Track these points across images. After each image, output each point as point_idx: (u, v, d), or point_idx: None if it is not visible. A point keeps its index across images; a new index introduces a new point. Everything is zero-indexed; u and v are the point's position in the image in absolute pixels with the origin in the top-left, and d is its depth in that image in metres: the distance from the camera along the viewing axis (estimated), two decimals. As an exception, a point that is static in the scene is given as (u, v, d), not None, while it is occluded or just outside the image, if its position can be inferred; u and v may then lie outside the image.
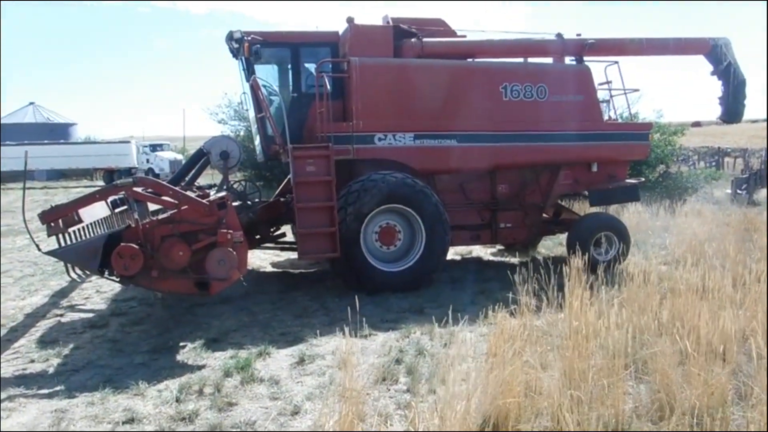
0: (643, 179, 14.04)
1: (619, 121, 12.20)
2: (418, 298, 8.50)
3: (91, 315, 8.17)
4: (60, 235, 7.01)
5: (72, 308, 8.56)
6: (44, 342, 7.03)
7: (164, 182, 7.97)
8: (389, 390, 5.37)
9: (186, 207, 6.89)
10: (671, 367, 4.81)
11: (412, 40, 9.96)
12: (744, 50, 11.24)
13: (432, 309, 7.84)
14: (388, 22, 10.14)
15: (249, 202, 10.02)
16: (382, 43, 9.80)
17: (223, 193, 7.68)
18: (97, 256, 6.60)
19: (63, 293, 9.35)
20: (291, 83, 10.08)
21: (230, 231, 6.75)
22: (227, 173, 9.91)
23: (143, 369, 6.08)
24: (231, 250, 6.69)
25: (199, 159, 10.11)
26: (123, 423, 4.86)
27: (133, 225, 6.79)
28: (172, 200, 7.09)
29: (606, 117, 11.15)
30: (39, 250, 6.93)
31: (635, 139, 10.71)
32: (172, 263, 6.70)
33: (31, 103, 52.95)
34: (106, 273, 6.90)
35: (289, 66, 10.09)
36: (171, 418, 4.91)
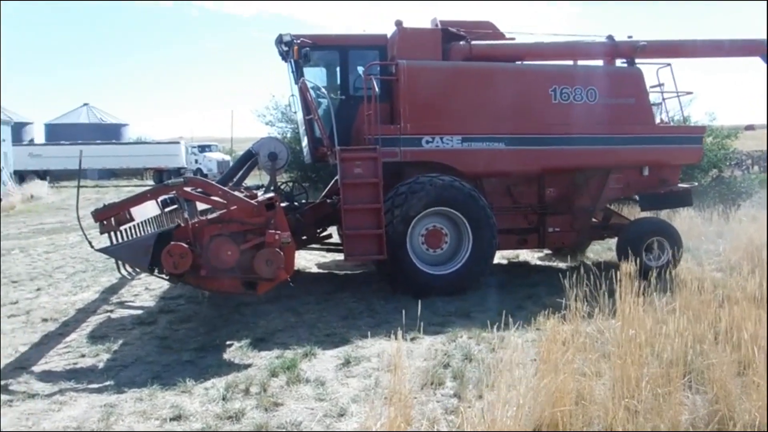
0: (695, 183, 13.71)
1: (671, 124, 11.92)
2: (465, 302, 8.41)
3: (140, 312, 8.31)
4: (112, 233, 7.13)
5: (122, 305, 8.73)
6: (94, 337, 7.17)
7: (213, 182, 8.05)
8: (436, 394, 5.31)
9: (235, 207, 6.93)
10: (730, 377, 4.65)
11: (461, 42, 9.89)
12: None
13: (479, 313, 7.76)
14: (436, 25, 10.09)
15: (296, 203, 10.08)
16: (430, 45, 9.76)
17: (271, 194, 7.72)
18: (148, 254, 6.70)
19: (113, 290, 9.54)
20: (339, 86, 10.10)
21: (278, 232, 6.75)
22: (275, 174, 10.00)
23: (190, 366, 6.14)
24: (278, 250, 6.70)
25: (248, 160, 10.25)
26: (170, 420, 4.90)
27: (183, 224, 6.88)
28: (221, 200, 7.15)
29: (658, 120, 10.91)
30: (91, 247, 7.07)
31: (688, 143, 10.46)
32: (221, 262, 6.75)
33: (86, 104, 54.41)
34: (156, 271, 7.00)
35: (338, 68, 10.11)
36: (218, 417, 4.94)
